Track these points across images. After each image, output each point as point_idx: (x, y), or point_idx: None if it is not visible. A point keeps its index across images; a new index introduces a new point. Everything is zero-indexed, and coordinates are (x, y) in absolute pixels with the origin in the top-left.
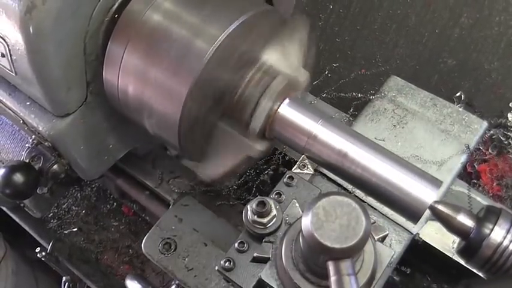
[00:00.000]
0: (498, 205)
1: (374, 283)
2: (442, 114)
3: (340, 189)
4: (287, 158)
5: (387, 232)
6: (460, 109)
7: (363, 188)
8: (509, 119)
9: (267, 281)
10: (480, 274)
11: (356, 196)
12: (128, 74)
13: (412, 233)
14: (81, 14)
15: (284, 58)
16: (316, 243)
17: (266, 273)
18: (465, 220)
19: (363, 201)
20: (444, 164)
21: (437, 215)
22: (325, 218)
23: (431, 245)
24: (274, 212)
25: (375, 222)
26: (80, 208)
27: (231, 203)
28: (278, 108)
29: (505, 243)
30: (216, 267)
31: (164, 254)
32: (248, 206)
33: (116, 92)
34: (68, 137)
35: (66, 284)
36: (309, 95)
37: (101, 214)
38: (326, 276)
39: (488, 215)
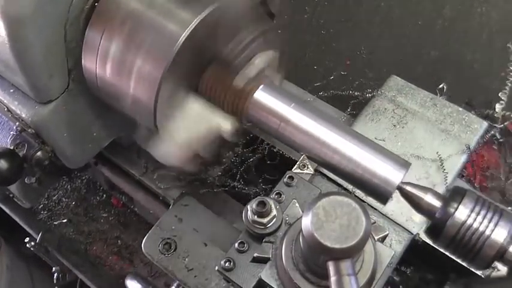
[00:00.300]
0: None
1: (374, 283)
2: (442, 114)
3: (340, 189)
4: (275, 150)
5: (387, 232)
6: (460, 109)
7: (333, 170)
8: (497, 110)
9: (267, 281)
10: (464, 264)
11: (356, 196)
12: (105, 61)
13: (412, 233)
14: (61, 1)
15: (258, 45)
16: (316, 243)
17: (266, 273)
18: (432, 200)
19: (363, 201)
20: (444, 164)
21: (405, 196)
22: (325, 218)
23: (431, 245)
24: (274, 212)
25: (375, 222)
26: (70, 200)
27: (215, 190)
28: (254, 90)
29: (469, 221)
30: (216, 268)
31: (164, 254)
32: (248, 206)
33: (94, 79)
34: (51, 124)
35: (56, 274)
36: (307, 94)
37: (90, 206)
38: (326, 276)
39: (454, 195)
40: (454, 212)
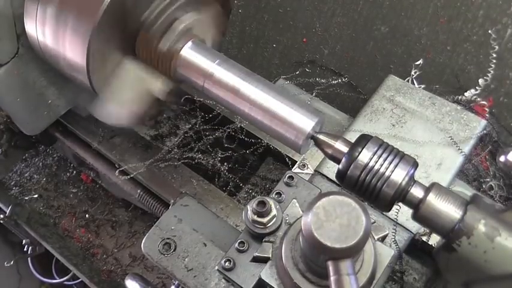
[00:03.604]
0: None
1: (374, 283)
2: (441, 113)
3: (340, 189)
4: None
5: (387, 232)
6: (459, 107)
7: (254, 122)
8: (466, 95)
9: (267, 281)
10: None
11: (356, 196)
12: (43, 26)
13: (412, 233)
14: None
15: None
16: (316, 243)
17: (266, 273)
18: (341, 147)
19: (363, 201)
20: (443, 163)
21: (317, 144)
22: (325, 218)
23: (431, 245)
24: (274, 212)
25: (374, 222)
26: (41, 176)
27: (175, 164)
28: (180, 50)
29: (371, 164)
30: (216, 267)
31: (164, 254)
32: (248, 206)
33: (37, 44)
34: (3, 88)
35: (26, 246)
36: (307, 95)
37: (61, 182)
38: (326, 276)
39: (360, 141)
40: (358, 156)
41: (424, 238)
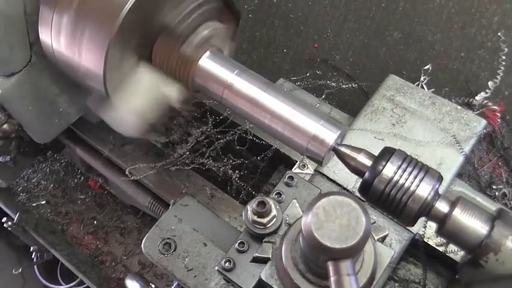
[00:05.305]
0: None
1: (374, 283)
2: (441, 113)
3: (340, 189)
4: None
5: (387, 232)
6: (459, 107)
7: (275, 134)
8: (477, 98)
9: (267, 281)
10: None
11: (356, 196)
12: (59, 33)
13: (412, 233)
14: None
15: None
16: (316, 243)
17: (266, 273)
18: (364, 160)
19: (363, 201)
20: (443, 163)
21: (340, 156)
22: (325, 218)
23: (431, 245)
24: (274, 212)
25: (374, 222)
26: (49, 182)
27: (186, 168)
28: (199, 60)
29: (396, 178)
30: (216, 268)
31: (164, 254)
32: (248, 206)
33: (51, 52)
34: (15, 96)
35: (34, 253)
36: (311, 96)
37: (68, 188)
38: (326, 276)
39: (384, 154)
40: (382, 170)
41: (441, 249)
